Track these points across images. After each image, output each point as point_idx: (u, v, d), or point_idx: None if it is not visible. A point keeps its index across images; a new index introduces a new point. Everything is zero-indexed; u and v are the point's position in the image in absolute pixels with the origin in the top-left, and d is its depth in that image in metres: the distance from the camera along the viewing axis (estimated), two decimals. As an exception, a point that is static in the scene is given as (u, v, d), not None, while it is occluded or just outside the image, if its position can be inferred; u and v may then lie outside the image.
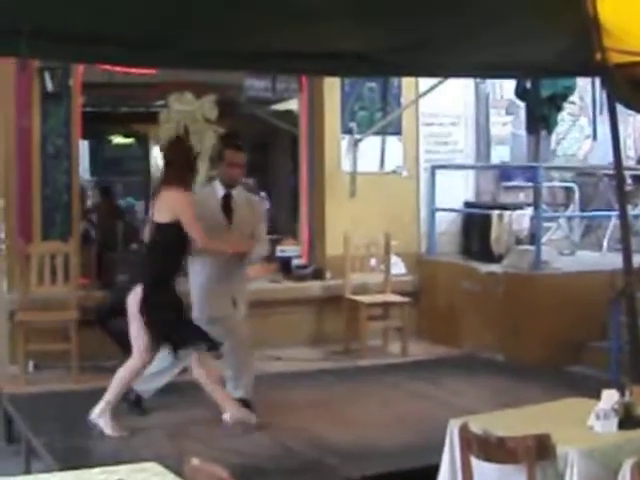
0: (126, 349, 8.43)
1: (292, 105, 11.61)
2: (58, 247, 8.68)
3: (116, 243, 10.66)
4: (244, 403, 6.87)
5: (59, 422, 6.83)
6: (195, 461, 3.53)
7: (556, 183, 11.42)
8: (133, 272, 7.27)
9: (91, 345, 8.23)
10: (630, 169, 10.69)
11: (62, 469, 5.19)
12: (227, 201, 7.02)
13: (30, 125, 9.02)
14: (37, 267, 8.55)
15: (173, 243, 6.52)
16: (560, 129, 11.50)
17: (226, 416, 6.70)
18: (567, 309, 8.85)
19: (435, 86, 9.48)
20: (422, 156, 10.74)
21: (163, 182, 6.73)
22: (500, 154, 11.47)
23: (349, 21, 5.92)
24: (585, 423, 4.46)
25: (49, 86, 9.01)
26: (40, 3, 5.17)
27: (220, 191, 7.04)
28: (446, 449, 4.66)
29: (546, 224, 10.47)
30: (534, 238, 9.61)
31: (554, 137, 11.51)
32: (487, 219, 10.13)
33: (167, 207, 6.50)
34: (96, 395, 6.62)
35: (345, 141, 10.31)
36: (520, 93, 10.60)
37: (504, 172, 11.49)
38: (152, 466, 3.84)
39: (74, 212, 9.30)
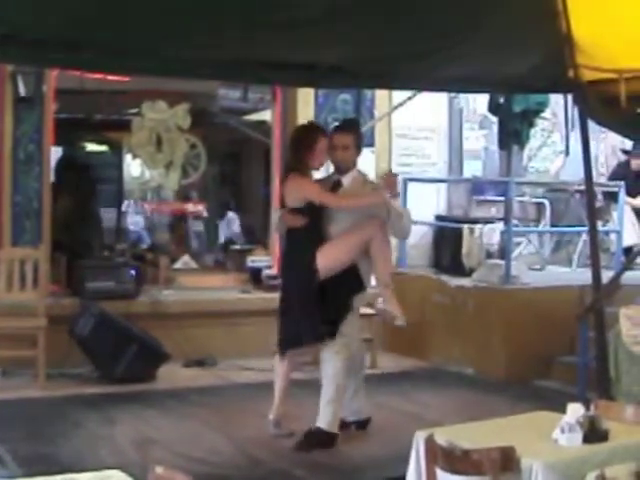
0: (94, 358, 8.46)
1: (266, 116, 11.60)
2: (28, 253, 8.60)
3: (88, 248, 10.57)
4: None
5: (24, 429, 6.80)
6: (159, 469, 3.52)
7: (527, 198, 11.46)
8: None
9: (58, 352, 8.18)
10: (601, 185, 10.74)
11: (26, 476, 5.16)
12: (335, 189, 6.75)
13: (1, 130, 8.96)
14: (6, 273, 8.47)
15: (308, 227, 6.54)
16: (532, 145, 11.57)
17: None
18: (536, 324, 8.89)
19: (408, 99, 9.50)
20: (395, 169, 10.75)
21: (286, 168, 6.79)
22: (472, 168, 11.51)
23: (328, 32, 5.94)
24: (550, 436, 4.47)
25: (22, 91, 8.93)
26: (14, 7, 5.14)
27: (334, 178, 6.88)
28: (412, 461, 4.65)
29: (517, 239, 10.49)
30: (504, 252, 9.65)
31: (526, 152, 11.57)
32: (458, 233, 10.15)
33: (293, 193, 6.55)
34: (62, 403, 6.57)
35: (318, 152, 10.26)
36: (493, 108, 10.65)
37: (476, 186, 11.52)
38: (116, 474, 3.82)
39: (45, 218, 9.24)
